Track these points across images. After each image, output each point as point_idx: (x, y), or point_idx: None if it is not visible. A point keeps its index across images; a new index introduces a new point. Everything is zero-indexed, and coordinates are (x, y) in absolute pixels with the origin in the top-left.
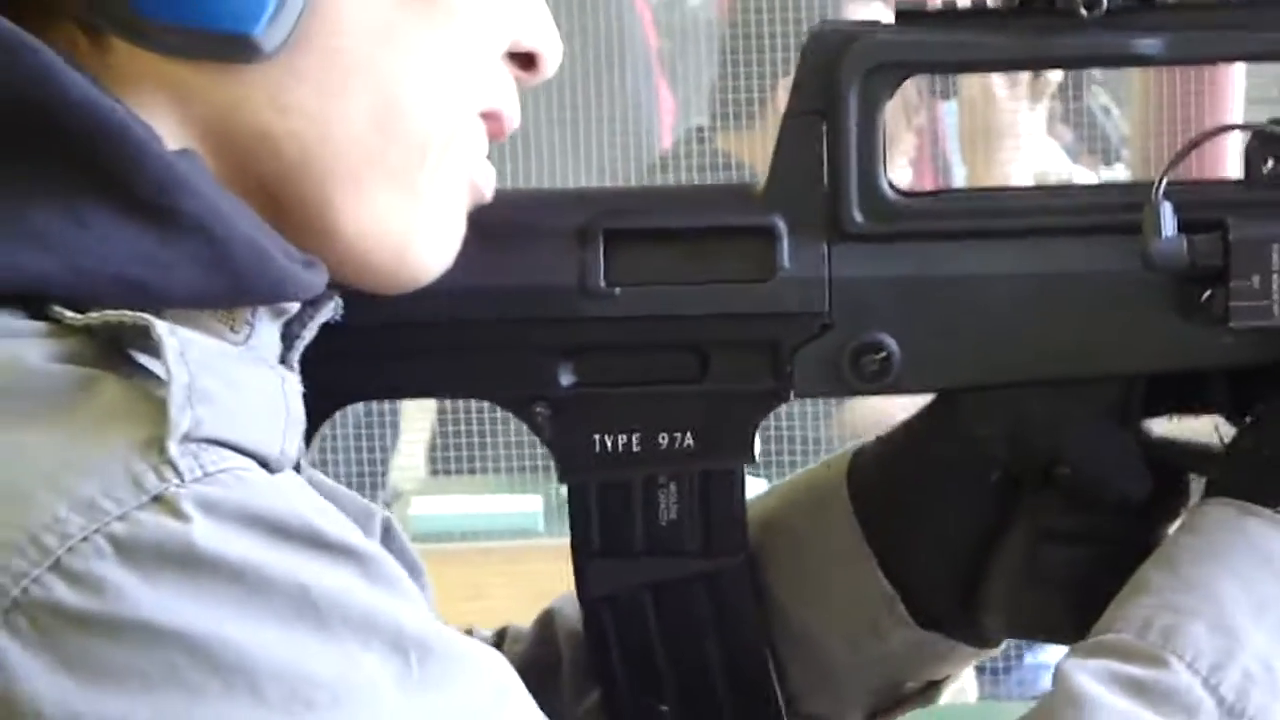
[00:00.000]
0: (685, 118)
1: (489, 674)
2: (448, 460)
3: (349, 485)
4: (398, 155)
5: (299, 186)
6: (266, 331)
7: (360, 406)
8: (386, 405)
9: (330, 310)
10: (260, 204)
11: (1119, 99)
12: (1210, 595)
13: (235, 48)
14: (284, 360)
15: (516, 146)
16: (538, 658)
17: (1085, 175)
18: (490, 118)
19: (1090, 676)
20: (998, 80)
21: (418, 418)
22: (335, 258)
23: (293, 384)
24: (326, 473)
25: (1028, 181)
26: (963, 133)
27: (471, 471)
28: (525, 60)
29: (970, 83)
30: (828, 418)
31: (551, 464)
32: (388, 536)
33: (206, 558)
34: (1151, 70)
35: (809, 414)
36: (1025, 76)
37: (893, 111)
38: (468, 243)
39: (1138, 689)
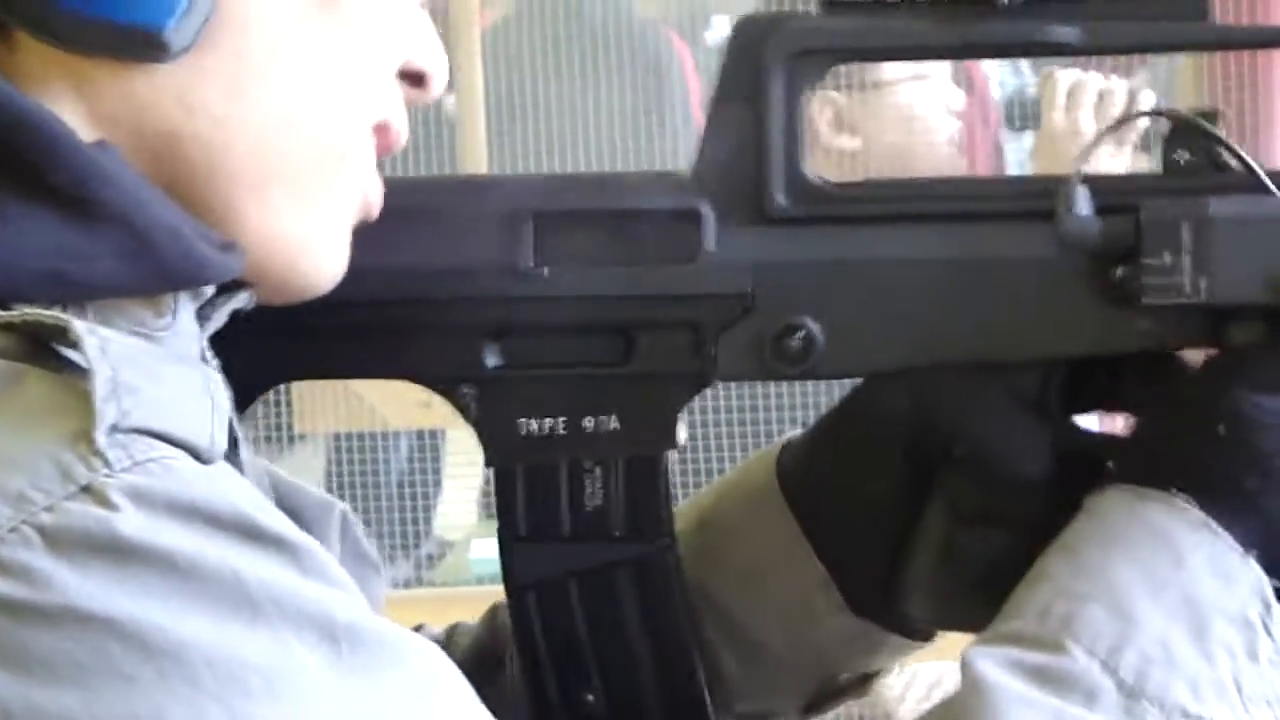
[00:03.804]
0: None
1: (421, 662)
2: None
3: (393, 534)
4: (298, 162)
5: (203, 190)
6: (185, 315)
7: (403, 462)
8: (429, 457)
9: (243, 300)
10: None
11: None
12: (1107, 579)
13: (146, 45)
14: None
15: None
16: (482, 650)
17: None
18: (381, 130)
19: (992, 664)
20: (1084, 117)
21: (465, 468)
22: None
23: (215, 376)
24: (369, 521)
25: None
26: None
27: None
28: (415, 79)
29: (1051, 116)
30: None
31: None
32: (345, 530)
33: (136, 546)
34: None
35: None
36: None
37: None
38: (398, 224)
39: (1039, 675)
